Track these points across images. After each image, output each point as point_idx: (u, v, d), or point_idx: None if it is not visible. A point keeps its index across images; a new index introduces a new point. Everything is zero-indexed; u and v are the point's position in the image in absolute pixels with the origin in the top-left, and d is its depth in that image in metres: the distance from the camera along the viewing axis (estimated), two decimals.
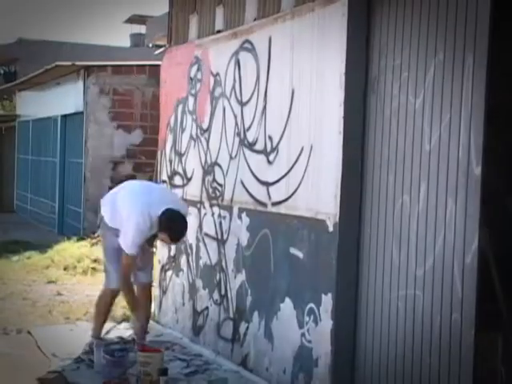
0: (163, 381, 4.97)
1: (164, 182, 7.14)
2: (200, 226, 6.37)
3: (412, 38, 4.21)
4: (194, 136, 6.53)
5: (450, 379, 3.88)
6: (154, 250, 6.77)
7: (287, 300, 5.09)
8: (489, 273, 4.43)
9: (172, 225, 5.70)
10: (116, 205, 5.92)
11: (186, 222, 5.83)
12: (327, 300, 4.65)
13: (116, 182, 12.85)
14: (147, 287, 6.21)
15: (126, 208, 5.80)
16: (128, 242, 5.68)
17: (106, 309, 6.16)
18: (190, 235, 6.51)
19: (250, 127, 5.63)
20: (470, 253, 3.76)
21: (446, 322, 3.90)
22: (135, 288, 6.06)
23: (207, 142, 6.30)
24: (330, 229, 4.63)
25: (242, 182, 5.70)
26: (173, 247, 6.81)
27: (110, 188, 12.65)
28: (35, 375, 5.46)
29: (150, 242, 5.96)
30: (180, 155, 6.79)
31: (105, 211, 6.06)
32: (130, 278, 5.95)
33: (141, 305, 6.07)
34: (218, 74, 6.13)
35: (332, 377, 4.62)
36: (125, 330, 6.68)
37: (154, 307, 7.29)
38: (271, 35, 5.38)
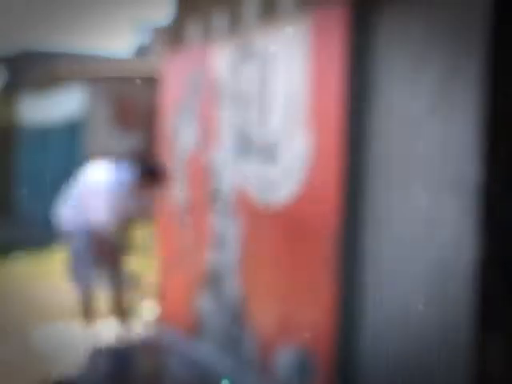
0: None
1: None
2: (201, 225, 6.39)
3: (413, 39, 4.22)
4: (195, 137, 6.54)
5: (449, 379, 3.89)
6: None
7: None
8: (489, 273, 4.44)
9: None
10: None
11: None
12: (328, 301, 4.66)
13: None
14: None
15: None
16: None
17: None
18: (191, 235, 6.52)
19: (249, 127, 5.64)
20: (470, 253, 3.77)
21: (446, 323, 3.91)
22: None
23: (207, 141, 6.31)
24: (330, 229, 4.64)
25: (242, 182, 5.71)
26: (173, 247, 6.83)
27: None
28: (35, 376, 5.46)
29: None
30: (181, 157, 6.80)
31: None
32: None
33: None
34: (217, 74, 6.14)
35: (332, 377, 4.62)
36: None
37: (153, 307, 7.32)
38: (271, 35, 5.39)
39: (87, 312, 6.28)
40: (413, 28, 4.23)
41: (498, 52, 3.79)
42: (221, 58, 6.13)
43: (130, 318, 6.49)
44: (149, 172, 5.88)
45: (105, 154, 13.20)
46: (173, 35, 7.28)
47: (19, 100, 19.86)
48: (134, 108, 13.33)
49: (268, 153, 5.39)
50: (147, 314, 7.40)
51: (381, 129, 4.48)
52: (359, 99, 4.60)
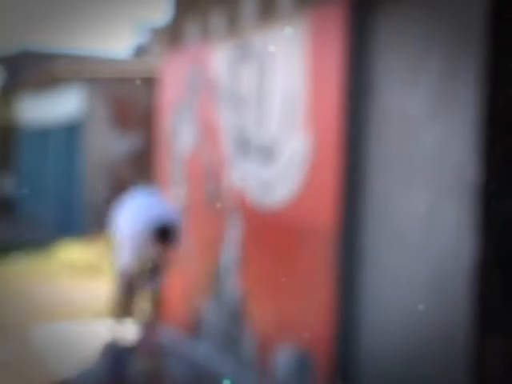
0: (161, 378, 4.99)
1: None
2: (200, 226, 6.38)
3: (412, 39, 4.22)
4: (194, 137, 6.54)
5: (449, 380, 3.89)
6: None
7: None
8: (488, 274, 4.43)
9: None
10: None
11: None
12: (327, 301, 4.66)
13: (115, 183, 12.90)
14: None
15: None
16: None
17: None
18: (191, 235, 6.52)
19: (249, 127, 5.64)
20: (469, 254, 3.77)
21: (446, 323, 3.91)
22: None
23: (206, 141, 6.31)
24: (330, 230, 4.64)
25: (242, 182, 5.71)
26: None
27: (109, 188, 12.71)
28: (35, 375, 5.47)
29: None
30: (179, 157, 6.80)
31: None
32: None
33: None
34: (217, 74, 6.14)
35: (332, 377, 4.63)
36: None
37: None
38: (271, 36, 5.39)
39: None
40: (411, 28, 4.23)
41: (496, 52, 3.79)
42: (219, 58, 6.13)
43: (132, 317, 6.48)
44: (162, 231, 5.57)
45: (104, 154, 13.31)
46: (171, 35, 7.28)
47: (18, 100, 19.88)
48: (132, 108, 13.35)
49: (266, 153, 5.39)
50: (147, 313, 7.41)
51: (379, 128, 4.48)
52: (358, 99, 4.60)
